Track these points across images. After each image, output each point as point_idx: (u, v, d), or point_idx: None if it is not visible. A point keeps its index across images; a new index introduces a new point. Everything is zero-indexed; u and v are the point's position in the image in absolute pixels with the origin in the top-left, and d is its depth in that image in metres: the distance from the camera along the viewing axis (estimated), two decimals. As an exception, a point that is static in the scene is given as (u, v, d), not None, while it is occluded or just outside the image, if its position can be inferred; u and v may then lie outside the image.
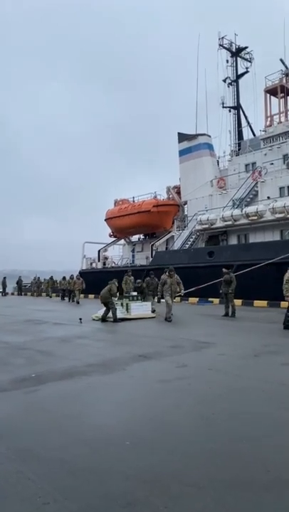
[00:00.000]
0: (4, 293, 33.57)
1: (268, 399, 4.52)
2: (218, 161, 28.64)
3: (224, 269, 13.85)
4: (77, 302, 21.55)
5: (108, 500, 2.47)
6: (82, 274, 29.05)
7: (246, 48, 29.31)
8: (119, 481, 2.69)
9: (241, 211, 21.91)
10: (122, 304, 13.43)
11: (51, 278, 31.07)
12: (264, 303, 17.14)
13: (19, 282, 35.05)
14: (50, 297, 28.71)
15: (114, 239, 34.56)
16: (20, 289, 34.50)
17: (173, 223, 29.02)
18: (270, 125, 24.65)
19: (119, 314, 12.65)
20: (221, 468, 2.86)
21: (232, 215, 22.27)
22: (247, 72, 29.25)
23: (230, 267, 14.62)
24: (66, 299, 24.18)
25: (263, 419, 3.86)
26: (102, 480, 2.72)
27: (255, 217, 21.15)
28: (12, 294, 35.52)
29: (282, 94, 24.61)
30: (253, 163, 24.50)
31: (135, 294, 14.54)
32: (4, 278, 34.24)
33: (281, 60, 24.75)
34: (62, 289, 25.35)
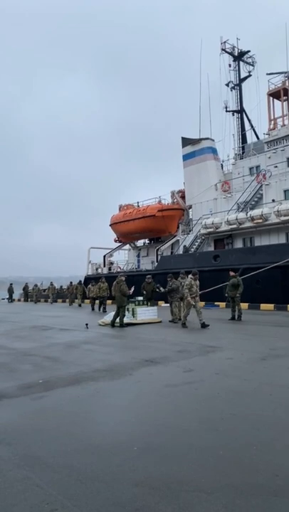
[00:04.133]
0: (11, 299, 33.70)
1: (276, 403, 4.48)
2: (222, 165, 28.69)
3: (231, 273, 13.81)
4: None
5: (117, 507, 2.46)
6: (88, 279, 29.11)
7: (248, 51, 29.46)
8: (127, 488, 2.68)
9: (246, 214, 21.89)
10: (128, 309, 13.43)
11: (80, 283, 26.87)
12: (271, 306, 17.06)
13: (25, 289, 35.20)
14: (80, 305, 24.58)
15: (120, 244, 34.65)
16: (27, 295, 34.61)
17: (178, 227, 29.05)
18: (274, 128, 24.66)
19: (125, 319, 12.65)
20: (230, 474, 2.84)
21: (237, 219, 22.25)
22: (250, 75, 29.37)
23: (236, 271, 14.59)
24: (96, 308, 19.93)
25: (271, 424, 3.83)
26: (110, 486, 2.71)
27: (260, 221, 21.11)
28: (18, 300, 35.63)
29: (285, 97, 24.61)
30: (257, 167, 24.51)
31: (141, 298, 14.55)
32: (11, 284, 34.39)
33: None
34: (92, 297, 20.52)
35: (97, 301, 20.03)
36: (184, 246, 26.80)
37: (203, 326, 11.24)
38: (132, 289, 14.42)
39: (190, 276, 12.01)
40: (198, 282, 12.08)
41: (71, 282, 28.65)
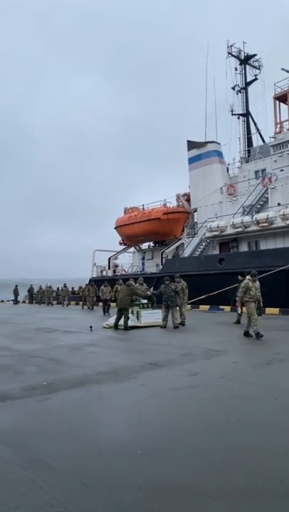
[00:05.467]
0: (16, 301, 33.83)
1: (281, 407, 4.45)
2: (227, 168, 28.64)
3: (240, 277, 13.71)
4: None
5: (121, 511, 2.45)
6: (93, 281, 29.13)
7: (255, 55, 29.47)
8: (131, 491, 2.66)
9: (252, 218, 21.83)
10: (132, 312, 13.42)
11: (92, 284, 25.21)
12: (276, 310, 16.97)
13: (30, 290, 35.29)
14: (93, 309, 23.02)
15: (124, 246, 34.67)
16: (32, 297, 34.68)
17: (183, 230, 29.02)
18: (280, 131, 24.60)
19: (130, 322, 12.63)
20: (234, 478, 2.82)
21: (242, 222, 22.20)
22: (256, 79, 29.35)
23: (244, 274, 14.44)
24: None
25: (276, 428, 3.80)
26: (114, 490, 2.70)
27: (266, 224, 21.04)
28: (23, 302, 35.74)
29: (291, 101, 24.56)
30: (263, 170, 24.43)
31: (146, 301, 14.52)
32: (16, 286, 34.53)
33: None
34: (104, 300, 19.49)
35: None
36: (175, 252, 27.41)
37: (258, 336, 9.66)
38: (151, 289, 14.34)
39: (248, 277, 10.40)
40: (257, 284, 10.40)
41: (86, 284, 27.24)
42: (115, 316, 12.96)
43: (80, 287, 33.78)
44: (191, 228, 28.79)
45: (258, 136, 28.98)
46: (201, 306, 20.05)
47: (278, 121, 25.03)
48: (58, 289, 32.45)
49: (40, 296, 32.41)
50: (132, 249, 35.03)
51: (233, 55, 29.15)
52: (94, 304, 23.59)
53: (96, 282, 26.50)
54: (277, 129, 24.87)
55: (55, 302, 31.05)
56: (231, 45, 29.02)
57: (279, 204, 21.60)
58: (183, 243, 28.15)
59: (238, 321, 13.03)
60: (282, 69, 24.50)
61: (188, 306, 19.84)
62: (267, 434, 3.68)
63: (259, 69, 29.52)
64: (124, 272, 32.46)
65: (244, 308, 10.50)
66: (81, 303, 25.88)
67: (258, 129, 29.03)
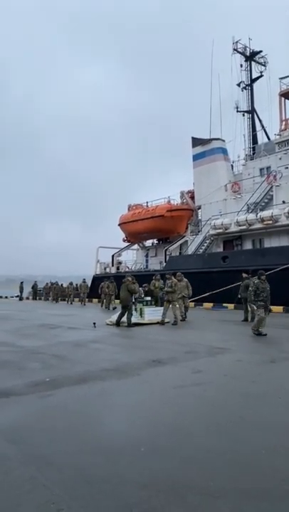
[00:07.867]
0: (21, 297, 33.99)
1: (285, 406, 4.42)
2: (232, 166, 28.52)
3: (244, 274, 13.64)
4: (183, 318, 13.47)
5: (124, 509, 2.43)
6: (96, 279, 29.13)
7: (260, 52, 29.25)
8: (134, 490, 2.65)
9: (256, 215, 21.74)
10: (136, 309, 13.41)
11: (111, 280, 21.57)
12: (280, 308, 16.91)
13: (34, 287, 35.43)
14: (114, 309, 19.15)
15: (128, 244, 34.65)
16: (36, 293, 34.79)
17: (187, 228, 28.96)
18: (285, 129, 24.44)
19: (133, 319, 12.63)
20: (238, 478, 2.80)
21: (246, 220, 22.12)
22: (261, 76, 29.17)
23: (249, 272, 14.34)
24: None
25: (280, 427, 3.77)
26: (117, 488, 2.68)
27: (270, 222, 20.95)
28: (27, 298, 35.88)
29: (297, 98, 24.40)
30: (268, 167, 24.30)
31: (149, 298, 14.52)
32: (21, 282, 34.69)
33: None
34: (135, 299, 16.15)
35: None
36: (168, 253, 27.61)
37: None
38: (141, 290, 14.35)
39: None
40: None
41: (105, 281, 23.56)
42: (118, 313, 12.96)
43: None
44: (195, 226, 28.73)
45: (263, 133, 28.85)
46: (204, 303, 20.02)
47: (284, 118, 24.87)
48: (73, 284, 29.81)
49: (54, 292, 30.01)
50: (136, 246, 35.02)
51: (238, 52, 28.98)
52: (110, 302, 20.85)
53: (100, 279, 26.40)
54: (283, 126, 24.70)
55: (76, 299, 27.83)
56: (237, 42, 28.85)
57: (284, 202, 21.51)
58: (187, 240, 28.10)
59: (245, 319, 12.98)
60: None
61: (192, 303, 19.85)
62: (271, 433, 3.65)
63: (265, 65, 29.34)
64: (127, 269, 32.45)
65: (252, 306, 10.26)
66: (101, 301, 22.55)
67: (263, 126, 28.88)
